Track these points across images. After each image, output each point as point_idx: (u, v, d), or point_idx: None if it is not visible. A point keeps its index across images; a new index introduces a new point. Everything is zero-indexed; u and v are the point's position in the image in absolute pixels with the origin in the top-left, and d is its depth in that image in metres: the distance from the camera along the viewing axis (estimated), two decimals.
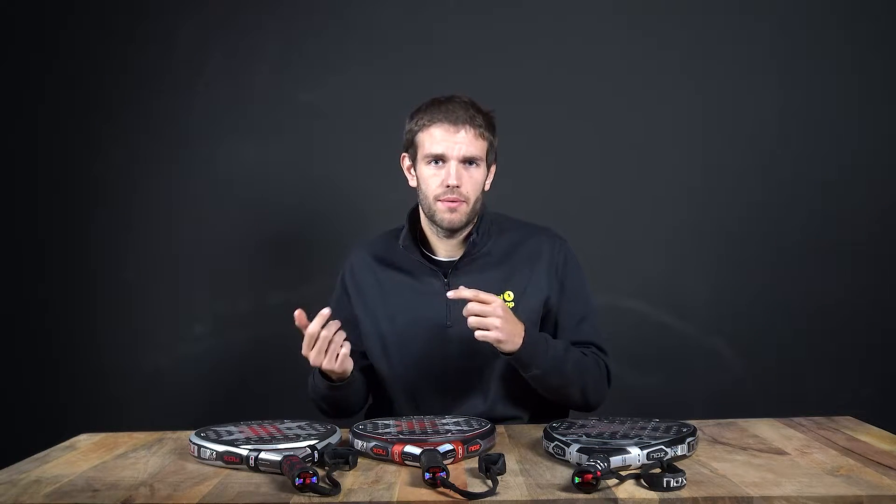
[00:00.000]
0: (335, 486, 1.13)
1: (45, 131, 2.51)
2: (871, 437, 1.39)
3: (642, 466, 1.17)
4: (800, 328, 2.44)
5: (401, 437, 1.30)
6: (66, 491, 1.19)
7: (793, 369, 2.43)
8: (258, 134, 2.50)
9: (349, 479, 1.19)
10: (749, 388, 2.43)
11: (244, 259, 2.50)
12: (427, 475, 1.12)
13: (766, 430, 1.46)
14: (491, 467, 1.15)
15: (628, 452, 1.18)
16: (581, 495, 1.08)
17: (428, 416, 1.49)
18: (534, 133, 2.35)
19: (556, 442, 1.26)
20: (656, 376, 2.44)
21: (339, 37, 2.48)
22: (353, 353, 1.53)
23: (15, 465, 1.36)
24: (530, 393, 1.63)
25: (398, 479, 1.18)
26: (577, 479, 1.09)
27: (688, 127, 2.48)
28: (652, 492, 1.09)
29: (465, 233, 1.68)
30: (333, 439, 1.33)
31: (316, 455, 1.26)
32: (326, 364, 1.47)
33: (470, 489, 1.11)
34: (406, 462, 1.24)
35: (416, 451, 1.23)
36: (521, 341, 1.50)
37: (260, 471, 1.24)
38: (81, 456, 1.41)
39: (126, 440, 1.52)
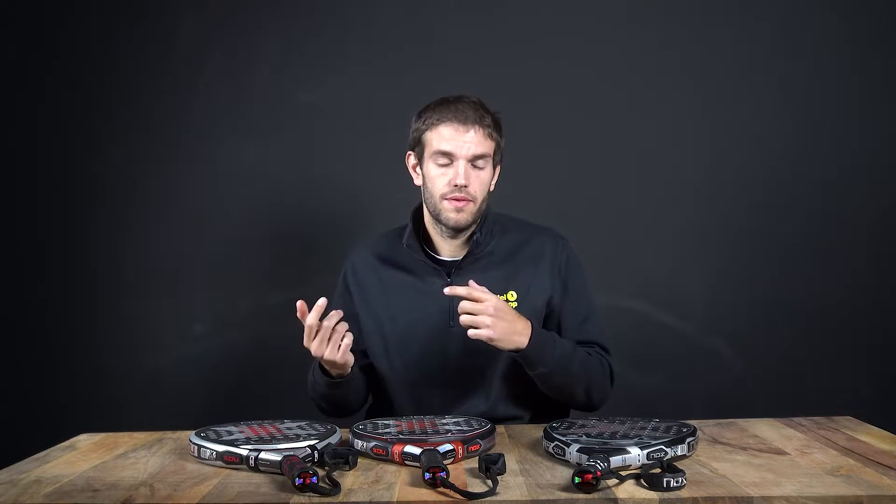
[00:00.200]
0: (335, 486, 1.13)
1: (45, 131, 2.51)
2: (871, 437, 1.39)
3: (642, 466, 1.17)
4: (800, 328, 2.44)
5: (401, 437, 1.30)
6: (66, 491, 1.19)
7: (793, 369, 2.43)
8: (258, 134, 2.50)
9: (349, 479, 1.19)
10: (749, 388, 2.43)
11: (244, 259, 2.50)
12: (427, 475, 1.12)
13: (766, 430, 1.46)
14: (491, 467, 1.15)
15: (628, 452, 1.18)
16: (581, 495, 1.08)
17: (428, 416, 1.49)
18: (534, 133, 2.35)
19: (556, 442, 1.26)
20: (656, 376, 2.44)
21: (339, 37, 2.48)
22: (353, 352, 1.53)
23: (15, 465, 1.36)
24: (532, 392, 1.63)
25: (398, 479, 1.18)
26: (577, 479, 1.09)
27: (688, 127, 2.48)
28: (652, 492, 1.09)
29: (468, 232, 1.68)
30: (333, 439, 1.33)
31: (316, 455, 1.26)
32: (328, 354, 1.46)
33: (470, 489, 1.11)
34: (406, 462, 1.24)
35: (416, 451, 1.23)
36: (525, 340, 1.51)
37: (260, 471, 1.24)
38: (81, 456, 1.41)
39: (126, 440, 1.52)
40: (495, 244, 1.69)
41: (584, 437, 1.27)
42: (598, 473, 1.08)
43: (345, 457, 1.25)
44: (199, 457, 1.31)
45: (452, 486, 1.10)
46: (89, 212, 2.50)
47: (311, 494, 1.12)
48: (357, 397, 1.70)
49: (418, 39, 2.49)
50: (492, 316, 1.47)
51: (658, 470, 1.14)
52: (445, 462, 1.18)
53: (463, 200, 1.61)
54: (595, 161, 2.48)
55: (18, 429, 2.37)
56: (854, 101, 2.45)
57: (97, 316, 2.51)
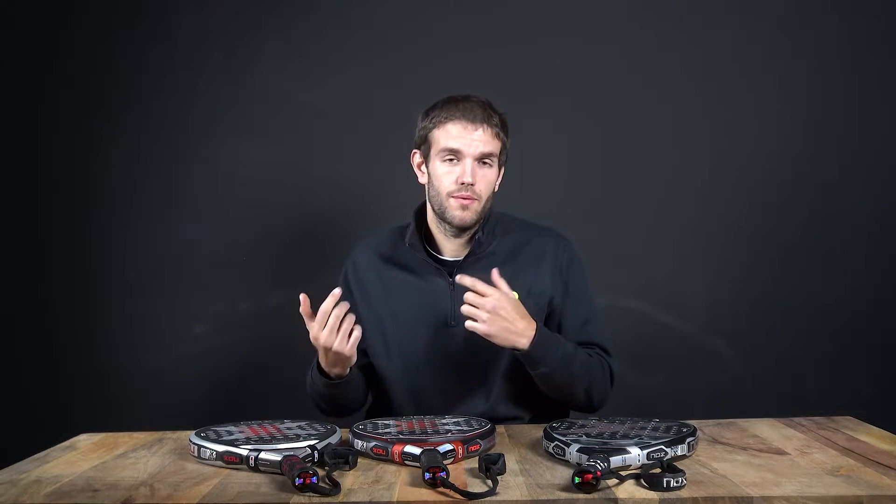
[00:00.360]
0: (335, 486, 1.13)
1: (45, 131, 2.51)
2: (871, 437, 1.39)
3: (642, 466, 1.17)
4: (800, 328, 2.44)
5: (401, 437, 1.30)
6: (66, 491, 1.19)
7: (793, 369, 2.43)
8: (258, 134, 2.50)
9: (349, 479, 1.19)
10: (749, 388, 2.43)
11: (244, 259, 2.50)
12: (427, 475, 1.12)
13: (766, 430, 1.46)
14: (491, 467, 1.15)
15: (628, 452, 1.18)
16: (581, 495, 1.08)
17: (428, 416, 1.49)
18: (534, 133, 2.34)
19: (556, 442, 1.26)
20: (656, 376, 2.44)
21: (339, 37, 2.48)
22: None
23: (15, 465, 1.36)
24: (533, 393, 1.63)
25: (398, 479, 1.18)
26: (577, 479, 1.09)
27: (688, 127, 2.47)
28: (652, 492, 1.09)
29: (471, 232, 1.68)
30: (333, 439, 1.33)
31: (316, 455, 1.27)
32: (338, 344, 1.46)
33: (470, 489, 1.11)
34: (406, 462, 1.24)
35: (416, 451, 1.23)
36: (525, 341, 1.51)
37: (260, 471, 1.24)
38: (81, 456, 1.41)
39: (126, 440, 1.52)
40: (497, 244, 1.70)
41: (584, 437, 1.27)
42: (598, 473, 1.08)
43: (345, 457, 1.25)
44: (199, 457, 1.31)
45: (452, 486, 1.10)
46: (89, 212, 2.50)
47: (311, 494, 1.12)
48: (356, 397, 1.70)
49: (418, 39, 2.49)
50: (489, 312, 1.47)
51: (658, 470, 1.14)
52: (445, 462, 1.18)
53: (469, 199, 1.61)
54: (595, 161, 2.48)
55: (18, 429, 2.36)
56: (854, 101, 2.45)
57: (97, 316, 2.50)
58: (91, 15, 2.50)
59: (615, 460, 1.15)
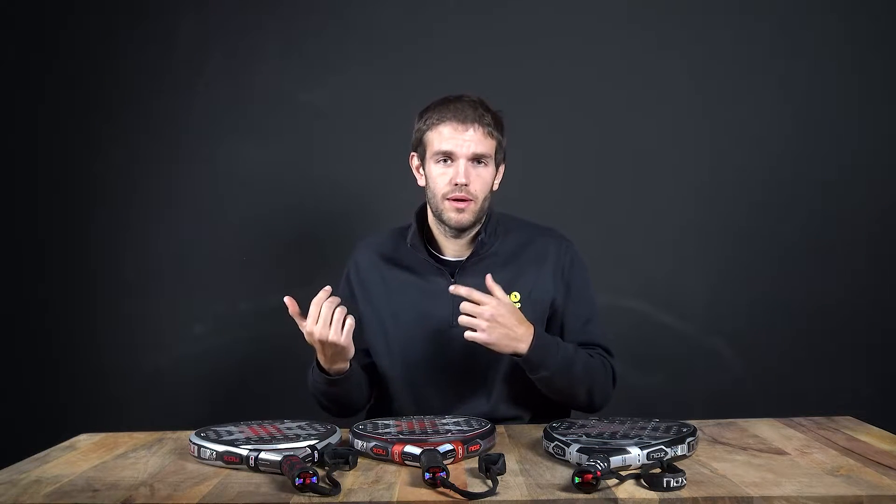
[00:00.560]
0: (335, 486, 1.13)
1: (45, 131, 2.51)
2: (871, 437, 1.39)
3: (642, 466, 1.17)
4: (800, 328, 2.44)
5: (401, 437, 1.30)
6: (66, 491, 1.19)
7: (793, 369, 2.43)
8: (258, 134, 2.50)
9: (349, 479, 1.19)
10: (749, 388, 2.43)
11: (244, 259, 2.50)
12: (427, 475, 1.12)
13: (766, 430, 1.46)
14: (491, 467, 1.15)
15: (628, 452, 1.18)
16: (581, 495, 1.08)
17: (428, 416, 1.49)
18: (534, 133, 2.35)
19: (556, 442, 1.26)
20: (657, 376, 2.44)
21: (339, 37, 2.48)
22: (355, 350, 1.53)
23: (15, 465, 1.36)
24: (534, 393, 1.63)
25: (398, 479, 1.18)
26: (577, 479, 1.09)
27: (688, 127, 2.47)
28: (652, 492, 1.09)
29: (472, 232, 1.68)
30: (333, 439, 1.33)
31: (316, 455, 1.27)
32: (333, 335, 1.45)
33: (470, 489, 1.11)
34: (406, 462, 1.24)
35: (416, 451, 1.23)
36: (524, 346, 1.51)
37: (260, 471, 1.24)
38: (81, 456, 1.41)
39: (126, 440, 1.52)
40: (499, 245, 1.69)
41: (584, 437, 1.27)
42: (598, 473, 1.08)
43: (345, 457, 1.25)
44: (199, 457, 1.31)
45: (452, 486, 1.10)
46: (89, 212, 2.50)
47: (311, 494, 1.12)
48: (359, 394, 1.69)
49: (418, 39, 2.49)
50: (488, 321, 1.47)
51: (658, 470, 1.14)
52: (445, 462, 1.18)
53: (464, 200, 1.61)
54: (595, 161, 2.48)
55: (18, 429, 2.36)
56: (854, 101, 2.45)
57: (97, 316, 2.50)
58: (91, 15, 2.50)
59: (615, 460, 1.15)
